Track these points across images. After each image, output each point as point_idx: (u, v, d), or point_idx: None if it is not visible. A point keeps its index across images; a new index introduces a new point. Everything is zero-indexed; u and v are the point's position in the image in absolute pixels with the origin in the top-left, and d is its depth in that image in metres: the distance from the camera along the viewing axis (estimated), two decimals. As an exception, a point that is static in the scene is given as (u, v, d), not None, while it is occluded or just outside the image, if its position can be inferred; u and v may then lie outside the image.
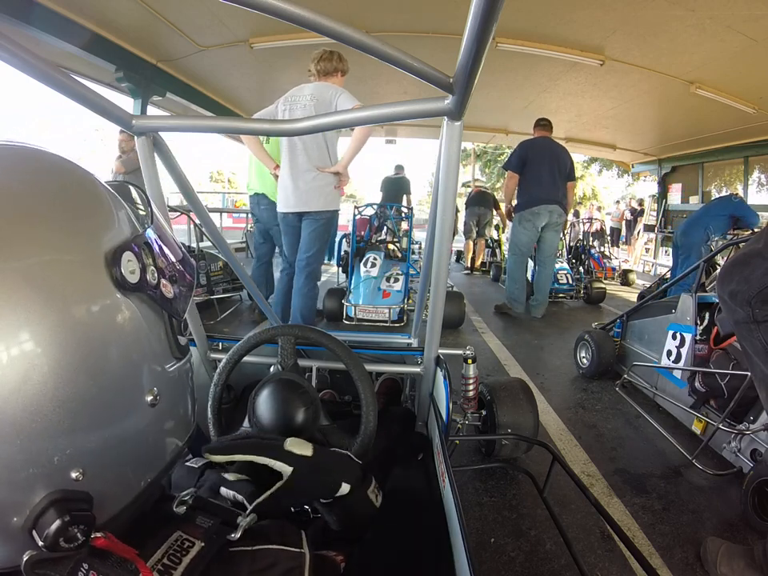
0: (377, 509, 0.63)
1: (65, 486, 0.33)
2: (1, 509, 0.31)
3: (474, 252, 6.95)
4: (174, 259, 0.47)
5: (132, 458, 0.40)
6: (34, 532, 0.31)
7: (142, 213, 0.47)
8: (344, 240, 4.56)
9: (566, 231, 5.93)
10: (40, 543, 0.31)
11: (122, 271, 0.37)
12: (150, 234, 0.44)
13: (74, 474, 0.34)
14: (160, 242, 0.45)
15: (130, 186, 0.50)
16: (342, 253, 4.12)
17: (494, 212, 7.00)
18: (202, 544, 0.42)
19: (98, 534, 0.35)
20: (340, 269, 4.16)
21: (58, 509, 0.32)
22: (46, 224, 0.34)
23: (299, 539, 0.49)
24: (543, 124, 3.92)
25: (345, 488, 0.60)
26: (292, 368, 0.86)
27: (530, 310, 4.13)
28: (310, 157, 2.47)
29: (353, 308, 3.45)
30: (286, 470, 0.57)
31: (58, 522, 0.31)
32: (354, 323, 3.44)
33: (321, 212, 2.55)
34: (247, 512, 0.49)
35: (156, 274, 0.42)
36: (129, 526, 0.42)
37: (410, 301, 3.74)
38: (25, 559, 0.31)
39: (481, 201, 6.78)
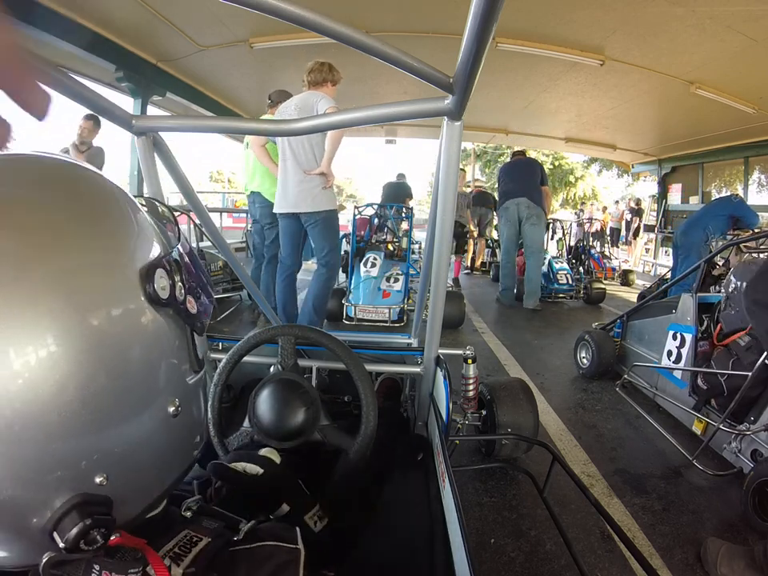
0: (314, 534, 0.65)
1: (88, 491, 0.34)
2: (25, 509, 0.32)
3: (474, 252, 6.95)
4: (197, 276, 0.49)
5: (152, 466, 0.41)
6: (55, 534, 0.32)
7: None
8: (344, 240, 4.57)
9: (566, 231, 5.94)
10: (61, 545, 0.32)
11: (155, 287, 0.38)
12: (178, 251, 0.45)
13: (98, 479, 0.34)
14: (186, 260, 0.47)
15: (156, 202, 0.52)
16: (342, 253, 4.16)
17: (495, 213, 7.00)
18: (209, 539, 0.45)
19: (114, 535, 0.36)
20: (340, 269, 4.20)
21: (80, 512, 0.33)
22: (83, 239, 0.35)
23: (294, 536, 0.51)
24: (518, 152, 4.97)
25: (284, 508, 0.63)
26: (292, 368, 0.85)
27: (523, 303, 4.50)
28: (298, 161, 2.56)
29: (353, 308, 3.46)
30: (257, 470, 0.64)
31: (80, 525, 0.32)
32: (354, 323, 3.45)
33: (313, 213, 2.63)
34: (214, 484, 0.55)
35: (183, 291, 0.44)
36: (143, 527, 0.43)
37: (410, 301, 3.76)
38: (44, 560, 0.32)
39: (482, 201, 6.80)
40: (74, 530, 0.32)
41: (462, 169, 5.28)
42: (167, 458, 0.44)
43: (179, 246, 0.47)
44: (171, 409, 0.42)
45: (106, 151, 4.06)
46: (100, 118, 3.64)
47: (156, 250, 0.42)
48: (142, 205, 0.46)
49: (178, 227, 0.50)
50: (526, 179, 4.43)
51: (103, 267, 0.36)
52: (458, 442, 1.58)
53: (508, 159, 5.19)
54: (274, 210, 2.79)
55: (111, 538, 0.36)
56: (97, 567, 0.34)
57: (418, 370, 1.13)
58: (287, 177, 2.61)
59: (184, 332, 0.45)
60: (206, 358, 1.18)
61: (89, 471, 0.34)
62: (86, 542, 0.33)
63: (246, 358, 0.89)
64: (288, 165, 2.59)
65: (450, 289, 4.54)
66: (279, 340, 0.86)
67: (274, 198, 3.13)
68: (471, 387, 1.36)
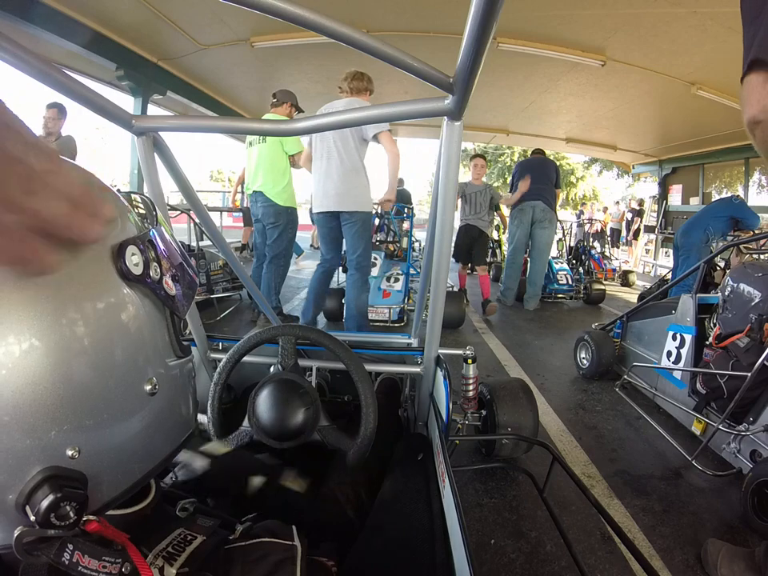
0: None
1: (60, 464, 0.34)
2: None
3: None
4: (176, 260, 0.49)
5: (128, 445, 0.41)
6: (27, 507, 0.32)
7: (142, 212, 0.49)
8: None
9: (566, 232, 5.94)
10: (32, 518, 0.32)
11: (127, 263, 0.39)
12: (154, 234, 0.46)
13: (69, 452, 0.34)
14: (163, 244, 0.47)
15: (133, 193, 0.52)
16: (343, 252, 4.16)
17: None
18: (204, 537, 0.44)
19: (91, 518, 0.36)
20: (340, 268, 4.21)
21: (51, 484, 0.32)
22: None
23: (290, 533, 0.51)
24: (538, 150, 4.71)
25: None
26: (292, 368, 0.85)
27: (523, 303, 4.53)
28: (343, 162, 2.62)
29: None
30: None
31: (50, 497, 0.32)
32: None
33: (354, 212, 2.69)
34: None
35: (158, 270, 0.44)
36: (134, 525, 0.43)
37: (410, 301, 3.76)
38: (16, 534, 0.31)
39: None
40: (45, 502, 0.32)
41: (481, 156, 4.39)
42: (145, 437, 0.43)
43: (155, 230, 0.47)
44: (148, 387, 0.42)
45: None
46: (65, 105, 3.58)
47: (128, 231, 0.42)
48: (120, 194, 0.46)
49: (156, 213, 0.51)
50: (544, 181, 4.34)
51: (72, 245, 0.36)
52: (458, 442, 1.58)
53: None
54: (314, 210, 2.82)
55: (89, 519, 0.36)
56: (71, 547, 0.33)
57: (418, 370, 1.12)
58: (330, 176, 2.64)
59: (162, 313, 0.46)
60: (206, 358, 1.18)
61: (59, 442, 0.34)
62: (58, 517, 0.32)
63: (246, 358, 0.89)
64: (333, 164, 2.63)
65: (450, 288, 4.52)
66: (279, 340, 0.86)
67: (278, 198, 3.17)
68: (471, 387, 1.36)
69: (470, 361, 1.32)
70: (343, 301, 3.47)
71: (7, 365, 0.31)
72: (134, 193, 0.52)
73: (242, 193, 6.39)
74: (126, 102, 4.54)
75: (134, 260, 0.40)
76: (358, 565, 0.61)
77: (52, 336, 0.33)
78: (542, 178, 4.35)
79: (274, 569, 0.45)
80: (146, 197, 0.53)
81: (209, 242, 4.08)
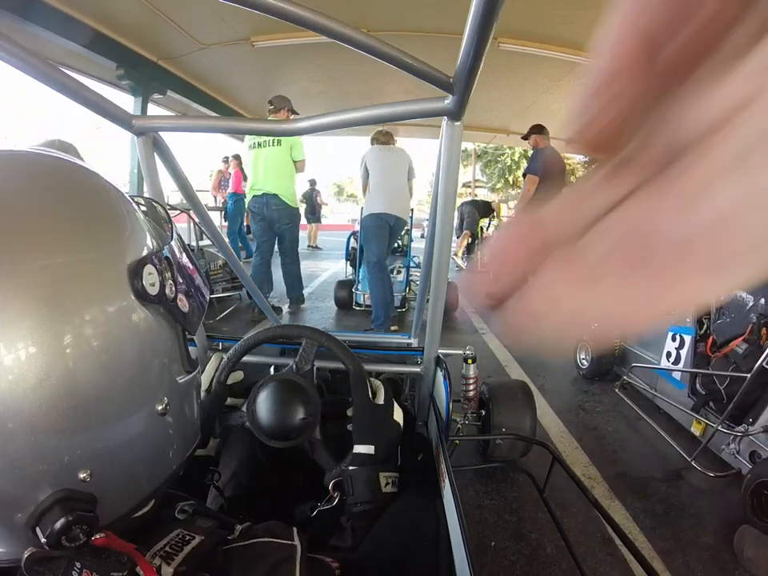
0: (381, 492, 0.67)
1: (71, 486, 0.34)
2: (9, 503, 0.32)
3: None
4: (190, 276, 0.49)
5: (138, 465, 0.41)
6: (37, 529, 0.32)
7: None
8: (352, 237, 4.72)
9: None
10: (42, 540, 0.32)
11: (143, 283, 0.38)
12: (171, 249, 0.45)
13: (81, 475, 0.34)
14: (179, 259, 0.47)
15: (154, 202, 0.52)
16: (351, 249, 4.54)
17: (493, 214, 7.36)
18: (202, 537, 0.44)
19: (99, 535, 0.36)
20: (348, 263, 4.66)
21: (62, 507, 0.32)
22: (74, 233, 0.36)
23: (290, 533, 0.50)
24: (541, 128, 3.97)
25: (367, 448, 0.69)
26: (306, 373, 0.83)
27: None
28: (399, 177, 3.17)
29: (361, 295, 3.90)
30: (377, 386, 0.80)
31: (62, 521, 0.32)
32: (362, 309, 3.87)
33: (405, 222, 3.24)
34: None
35: (174, 288, 0.43)
36: (133, 528, 0.43)
37: (411, 291, 4.12)
38: (26, 556, 0.32)
39: (469, 203, 7.46)
40: (56, 526, 0.32)
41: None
42: (154, 456, 0.43)
43: (172, 244, 0.46)
44: (159, 407, 0.41)
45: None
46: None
47: (146, 248, 0.41)
48: (140, 204, 0.46)
49: (173, 226, 0.50)
50: (559, 184, 4.16)
51: (91, 263, 0.36)
52: (458, 442, 1.58)
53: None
54: (377, 210, 3.11)
55: (97, 537, 0.36)
56: (78, 565, 0.33)
57: (418, 370, 1.12)
58: (393, 188, 3.13)
59: (175, 330, 0.45)
60: (206, 358, 1.18)
61: (72, 466, 0.34)
62: (68, 539, 0.32)
63: (246, 358, 0.88)
64: (396, 177, 3.16)
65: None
66: (303, 341, 0.84)
67: (290, 200, 3.37)
68: (471, 387, 1.36)
69: (470, 361, 1.32)
70: (353, 290, 4.01)
71: (21, 390, 0.31)
72: (153, 201, 0.52)
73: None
74: (126, 102, 4.53)
75: (150, 279, 0.39)
76: (362, 565, 0.60)
77: (66, 360, 0.33)
78: (560, 180, 4.18)
79: (272, 568, 0.44)
80: (163, 205, 0.53)
81: (208, 242, 4.07)
